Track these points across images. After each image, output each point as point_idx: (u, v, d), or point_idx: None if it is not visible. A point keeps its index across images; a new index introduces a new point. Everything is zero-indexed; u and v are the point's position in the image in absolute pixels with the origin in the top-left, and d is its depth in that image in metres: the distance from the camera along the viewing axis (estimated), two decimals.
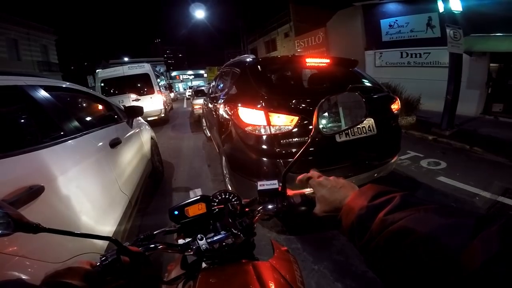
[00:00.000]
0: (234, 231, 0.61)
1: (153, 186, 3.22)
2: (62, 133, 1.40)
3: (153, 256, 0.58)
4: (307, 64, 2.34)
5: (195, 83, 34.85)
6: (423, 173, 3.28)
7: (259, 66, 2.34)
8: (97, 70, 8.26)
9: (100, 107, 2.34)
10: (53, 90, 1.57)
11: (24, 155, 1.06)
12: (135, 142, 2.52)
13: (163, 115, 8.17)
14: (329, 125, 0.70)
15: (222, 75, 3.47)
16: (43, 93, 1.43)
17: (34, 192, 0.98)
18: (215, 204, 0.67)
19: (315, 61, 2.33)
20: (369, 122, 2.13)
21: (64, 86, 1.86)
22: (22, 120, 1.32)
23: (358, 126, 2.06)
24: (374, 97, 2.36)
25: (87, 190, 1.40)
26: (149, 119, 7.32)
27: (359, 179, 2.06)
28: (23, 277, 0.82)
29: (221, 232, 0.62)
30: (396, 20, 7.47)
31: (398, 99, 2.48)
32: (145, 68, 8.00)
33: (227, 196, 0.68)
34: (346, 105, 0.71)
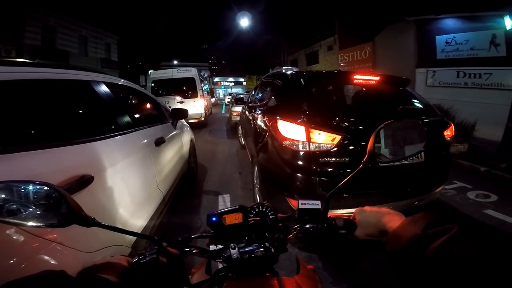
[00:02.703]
0: (267, 245, 0.61)
1: (186, 186, 3.34)
2: (115, 127, 1.50)
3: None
4: (354, 81, 2.22)
5: (235, 90, 36.06)
6: (469, 205, 2.95)
7: (302, 80, 2.30)
8: (149, 71, 9.07)
9: (150, 106, 2.51)
10: (112, 86, 1.68)
11: (79, 146, 1.13)
12: (176, 142, 2.65)
13: (202, 119, 8.55)
14: (383, 151, 0.65)
15: (263, 86, 3.50)
16: (104, 88, 1.55)
17: (84, 182, 1.04)
18: (252, 215, 0.67)
19: (362, 78, 2.21)
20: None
21: (120, 83, 1.99)
22: (82, 112, 1.43)
23: None
24: (425, 121, 2.15)
25: (129, 183, 1.47)
26: (190, 121, 7.68)
27: (398, 205, 1.91)
28: (56, 263, 0.85)
29: (254, 244, 0.62)
30: (454, 37, 6.86)
31: (452, 125, 2.23)
32: (191, 72, 8.50)
33: (264, 210, 0.68)
34: (402, 132, 0.66)
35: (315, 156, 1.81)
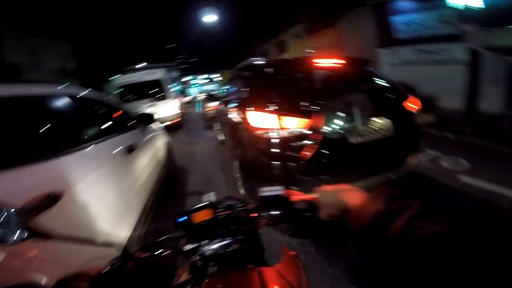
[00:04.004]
0: (238, 237, 0.63)
1: (169, 191, 3.28)
2: (81, 140, 1.45)
3: (167, 262, 0.61)
4: (319, 65, 2.30)
5: (209, 87, 35.38)
6: (444, 173, 3.12)
7: (268, 69, 2.33)
8: (113, 77, 8.56)
9: (115, 114, 2.41)
10: (72, 98, 1.62)
11: (44, 163, 1.09)
12: (150, 147, 2.58)
13: (178, 119, 8.28)
14: (339, 127, 0.70)
15: (233, 79, 3.50)
16: (63, 101, 1.49)
17: (53, 198, 1.01)
18: (221, 210, 0.68)
19: (327, 62, 2.29)
20: (386, 123, 2.07)
21: (83, 94, 1.91)
22: (44, 128, 1.36)
23: (374, 127, 2.01)
24: (389, 97, 2.28)
25: (104, 195, 1.43)
26: (164, 124, 7.47)
27: (375, 180, 2.00)
28: (40, 279, 0.85)
29: (226, 238, 0.63)
30: (410, 17, 7.22)
31: (416, 98, 2.38)
32: (157, 74, 8.07)
33: (232, 203, 0.69)
34: (353, 106, 0.71)
35: (289, 142, 1.85)
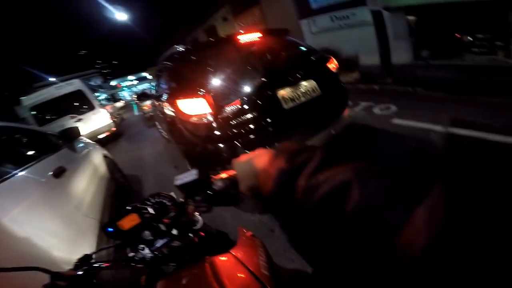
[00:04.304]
0: (172, 233, 0.60)
1: (124, 202, 3.08)
2: None
3: (121, 275, 0.58)
4: (239, 42, 2.29)
5: (141, 87, 32.49)
6: (378, 119, 3.48)
7: (188, 55, 2.28)
8: (20, 99, 7.19)
9: (32, 139, 2.13)
10: None
11: None
12: (85, 165, 2.35)
13: (114, 129, 7.52)
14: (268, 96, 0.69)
15: (158, 73, 3.33)
16: None
17: None
18: (146, 211, 0.64)
19: (246, 38, 2.31)
20: (311, 84, 2.21)
21: None
22: None
23: (302, 90, 2.13)
24: (311, 60, 2.45)
25: (43, 225, 1.33)
26: (100, 136, 6.74)
27: (318, 139, 2.10)
28: None
29: (162, 238, 0.60)
30: None
31: (332, 58, 2.58)
32: (75, 84, 7.17)
33: (159, 199, 0.66)
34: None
35: (226, 122, 1.87)
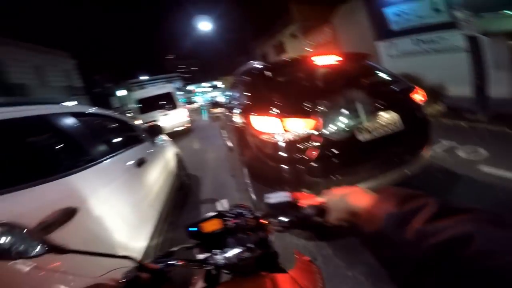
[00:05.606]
0: (248, 245, 0.62)
1: (182, 199, 3.32)
2: (90, 157, 1.47)
3: (180, 272, 0.61)
4: (316, 64, 2.26)
5: (213, 94, 35.73)
6: (462, 163, 2.95)
7: (266, 72, 2.33)
8: (129, 93, 10.03)
9: (124, 129, 2.45)
10: (77, 116, 1.64)
11: (57, 181, 1.14)
12: (160, 159, 2.62)
13: (189, 125, 9.83)
14: (344, 125, 0.70)
15: (235, 85, 3.53)
16: (67, 120, 1.51)
17: (68, 214, 1.07)
18: (229, 219, 0.67)
19: (324, 59, 2.26)
20: (392, 116, 2.02)
21: (87, 111, 1.94)
22: (51, 148, 1.39)
23: (381, 122, 1.97)
24: (393, 90, 2.24)
25: (118, 209, 1.46)
26: (176, 129, 9.06)
27: (389, 178, 1.93)
28: None
29: (238, 247, 0.62)
30: (400, 7, 7.07)
31: (420, 89, 2.32)
32: (168, 88, 9.94)
33: (241, 211, 0.69)
34: (356, 103, 0.70)
35: (295, 145, 1.83)
